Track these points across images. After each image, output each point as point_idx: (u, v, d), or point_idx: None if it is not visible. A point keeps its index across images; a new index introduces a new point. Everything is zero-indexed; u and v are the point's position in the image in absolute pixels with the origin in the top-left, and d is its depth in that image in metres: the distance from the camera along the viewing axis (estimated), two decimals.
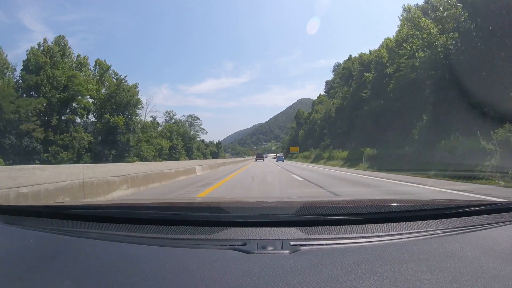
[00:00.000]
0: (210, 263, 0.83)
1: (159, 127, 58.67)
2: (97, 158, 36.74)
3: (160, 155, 47.55)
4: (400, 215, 1.16)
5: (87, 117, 43.47)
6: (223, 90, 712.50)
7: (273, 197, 5.60)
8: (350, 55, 55.93)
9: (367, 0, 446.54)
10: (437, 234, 1.01)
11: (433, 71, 17.22)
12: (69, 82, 38.09)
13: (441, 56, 16.49)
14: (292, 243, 0.93)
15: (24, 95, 36.97)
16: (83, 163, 23.45)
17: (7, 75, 38.10)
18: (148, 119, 55.00)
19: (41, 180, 4.37)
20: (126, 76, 46.31)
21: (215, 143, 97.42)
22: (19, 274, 0.81)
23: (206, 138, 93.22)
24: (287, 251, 0.88)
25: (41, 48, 39.53)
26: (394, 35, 26.43)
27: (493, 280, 0.72)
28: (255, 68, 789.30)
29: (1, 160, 28.34)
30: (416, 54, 18.39)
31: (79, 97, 40.12)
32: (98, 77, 44.71)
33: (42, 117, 36.52)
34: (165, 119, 67.90)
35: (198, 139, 79.59)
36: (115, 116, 41.94)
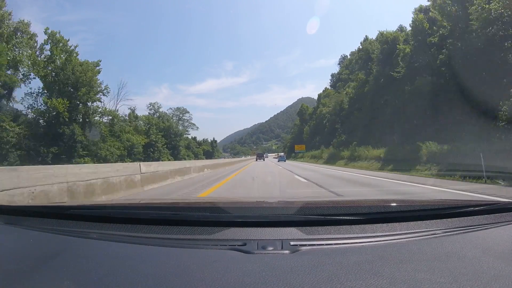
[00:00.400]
0: (210, 263, 0.83)
1: (138, 120, 47.94)
2: (29, 158, 25.49)
3: (130, 155, 36.50)
4: (400, 215, 1.16)
5: (8, 99, 28.69)
6: (223, 90, 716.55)
7: (273, 197, 5.59)
8: (366, 36, 48.57)
9: (367, 0, 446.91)
10: (437, 234, 1.01)
11: None
12: None
13: None
14: (292, 243, 0.93)
15: None
16: (7, 165, 17.43)
17: None
18: (122, 109, 42.31)
19: None
20: (100, 61, 33.72)
21: (209, 141, 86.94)
22: (19, 274, 0.81)
23: (201, 135, 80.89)
24: (287, 251, 0.88)
25: None
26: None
27: (493, 280, 0.72)
28: (255, 68, 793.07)
29: None
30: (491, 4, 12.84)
31: None
32: (50, 53, 30.83)
33: None
34: (148, 113, 56.98)
35: (189, 136, 68.17)
36: (53, 99, 28.43)
